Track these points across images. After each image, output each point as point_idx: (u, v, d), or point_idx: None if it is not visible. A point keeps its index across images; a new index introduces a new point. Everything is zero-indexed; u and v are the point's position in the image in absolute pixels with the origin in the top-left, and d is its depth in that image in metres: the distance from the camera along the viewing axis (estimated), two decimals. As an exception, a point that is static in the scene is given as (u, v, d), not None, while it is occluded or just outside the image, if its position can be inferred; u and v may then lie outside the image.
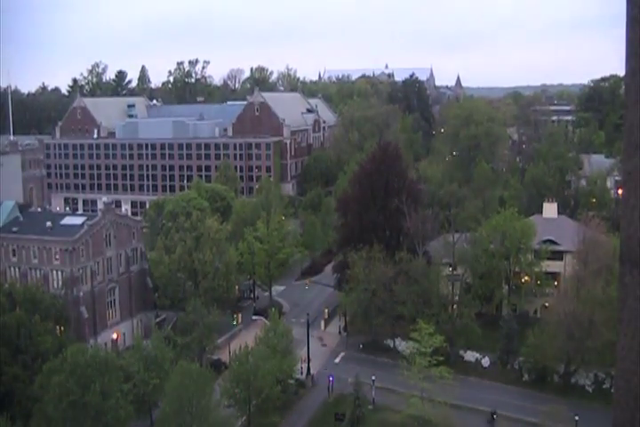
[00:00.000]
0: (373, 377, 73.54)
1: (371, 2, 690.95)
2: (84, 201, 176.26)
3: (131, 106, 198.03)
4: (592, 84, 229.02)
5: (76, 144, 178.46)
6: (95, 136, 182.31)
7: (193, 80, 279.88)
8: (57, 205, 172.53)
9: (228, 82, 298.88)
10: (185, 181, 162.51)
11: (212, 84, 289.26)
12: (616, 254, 70.70)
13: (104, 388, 58.75)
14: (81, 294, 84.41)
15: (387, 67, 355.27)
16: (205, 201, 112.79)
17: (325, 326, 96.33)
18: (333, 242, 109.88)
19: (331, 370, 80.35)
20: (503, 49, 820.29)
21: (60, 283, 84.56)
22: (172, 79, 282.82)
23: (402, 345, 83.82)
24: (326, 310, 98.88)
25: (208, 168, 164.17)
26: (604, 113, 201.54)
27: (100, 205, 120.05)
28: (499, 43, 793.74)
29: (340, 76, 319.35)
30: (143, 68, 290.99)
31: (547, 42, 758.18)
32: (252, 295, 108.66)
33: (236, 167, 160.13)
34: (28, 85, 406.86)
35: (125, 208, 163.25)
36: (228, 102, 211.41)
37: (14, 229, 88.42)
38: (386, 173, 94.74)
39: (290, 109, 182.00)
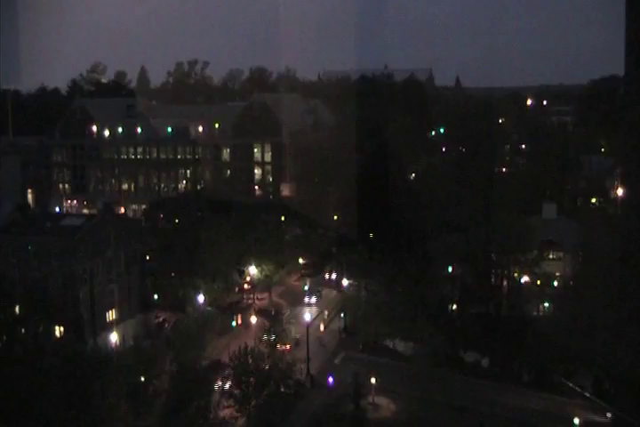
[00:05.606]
0: (373, 378, 73.42)
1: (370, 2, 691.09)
2: (83, 202, 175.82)
3: (130, 106, 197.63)
4: (592, 85, 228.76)
5: (76, 145, 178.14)
6: (95, 137, 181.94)
7: (192, 81, 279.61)
8: (56, 205, 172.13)
9: (228, 83, 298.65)
10: (184, 182, 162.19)
11: (211, 84, 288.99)
12: (616, 254, 70.68)
13: (103, 388, 58.70)
14: (80, 294, 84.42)
15: (386, 67, 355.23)
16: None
17: (325, 327, 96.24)
18: (333, 242, 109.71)
19: (330, 370, 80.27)
20: (503, 47, 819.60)
21: (60, 283, 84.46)
22: (171, 80, 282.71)
23: (401, 345, 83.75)
24: (326, 311, 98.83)
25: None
26: (604, 113, 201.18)
27: (99, 206, 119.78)
28: (498, 40, 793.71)
29: (340, 77, 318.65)
30: (143, 68, 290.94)
31: (546, 41, 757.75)
32: (252, 296, 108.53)
33: (235, 168, 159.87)
34: (27, 86, 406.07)
35: (125, 208, 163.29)
36: (228, 103, 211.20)
37: (14, 229, 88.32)
38: (386, 173, 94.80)
39: (289, 110, 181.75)
